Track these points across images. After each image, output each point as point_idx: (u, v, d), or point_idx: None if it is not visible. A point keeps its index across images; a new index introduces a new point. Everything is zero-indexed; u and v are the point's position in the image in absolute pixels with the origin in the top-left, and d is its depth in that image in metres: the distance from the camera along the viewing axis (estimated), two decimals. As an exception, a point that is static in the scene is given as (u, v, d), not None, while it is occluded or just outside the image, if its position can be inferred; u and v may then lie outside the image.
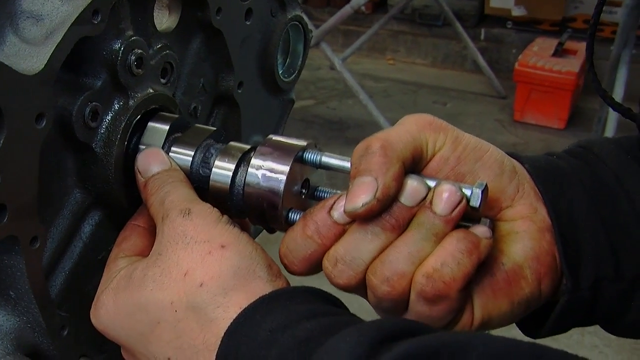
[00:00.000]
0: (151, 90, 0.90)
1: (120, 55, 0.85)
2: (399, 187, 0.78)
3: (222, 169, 0.88)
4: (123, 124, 0.87)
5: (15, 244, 0.77)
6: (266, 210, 0.85)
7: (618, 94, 4.47)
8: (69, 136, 0.84)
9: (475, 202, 0.78)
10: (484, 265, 0.79)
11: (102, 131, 0.86)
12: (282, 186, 0.84)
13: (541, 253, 0.83)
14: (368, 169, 0.78)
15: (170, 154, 0.90)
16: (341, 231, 0.80)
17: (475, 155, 0.84)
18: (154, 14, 0.92)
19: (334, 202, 0.81)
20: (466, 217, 0.79)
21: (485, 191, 0.78)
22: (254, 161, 0.85)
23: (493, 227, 0.81)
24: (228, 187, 0.87)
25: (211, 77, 1.04)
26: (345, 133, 5.17)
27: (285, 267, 0.83)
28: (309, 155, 0.86)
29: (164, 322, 0.77)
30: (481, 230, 0.78)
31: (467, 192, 0.78)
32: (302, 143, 0.87)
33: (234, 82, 1.04)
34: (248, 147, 0.89)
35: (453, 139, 0.84)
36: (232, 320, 0.73)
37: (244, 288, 0.76)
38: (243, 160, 0.88)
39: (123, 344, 0.82)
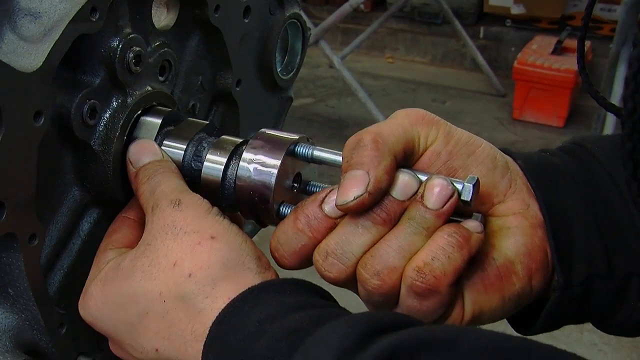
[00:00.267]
0: (149, 88, 0.90)
1: (118, 52, 0.85)
2: (391, 180, 0.78)
3: (214, 163, 0.88)
4: (121, 121, 0.87)
5: (13, 242, 0.78)
6: (257, 203, 0.85)
7: (617, 92, 4.47)
8: (67, 134, 0.84)
9: (467, 196, 0.78)
10: (475, 260, 0.80)
11: (100, 129, 0.86)
12: (273, 180, 0.84)
13: (533, 249, 0.83)
14: (360, 162, 0.78)
15: (162, 147, 0.90)
16: (332, 225, 0.80)
17: (468, 150, 0.83)
18: (152, 11, 0.91)
19: (326, 196, 0.81)
20: (458, 212, 0.79)
21: (476, 185, 0.78)
22: (246, 155, 0.86)
23: (485, 222, 0.81)
24: (220, 180, 0.87)
25: (209, 74, 1.04)
26: (344, 131, 5.17)
27: (276, 260, 0.83)
28: (301, 149, 0.86)
29: (152, 312, 0.77)
30: (472, 224, 0.78)
31: (459, 186, 0.78)
32: (294, 137, 0.87)
33: (233, 79, 1.04)
34: (240, 140, 0.89)
35: (445, 133, 0.83)
36: (220, 311, 0.73)
37: (233, 279, 0.76)
38: (235, 154, 0.88)
39: (111, 335, 0.82)
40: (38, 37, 0.77)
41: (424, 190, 0.77)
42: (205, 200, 0.82)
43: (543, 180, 0.85)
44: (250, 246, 0.79)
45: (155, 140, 0.90)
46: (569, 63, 5.24)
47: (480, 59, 5.94)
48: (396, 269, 0.77)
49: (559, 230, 0.83)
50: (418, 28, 6.58)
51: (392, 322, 0.66)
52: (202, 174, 0.88)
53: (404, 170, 0.80)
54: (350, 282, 0.80)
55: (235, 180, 0.86)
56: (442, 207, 0.77)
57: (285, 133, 0.88)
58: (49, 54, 0.76)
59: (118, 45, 0.85)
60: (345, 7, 4.91)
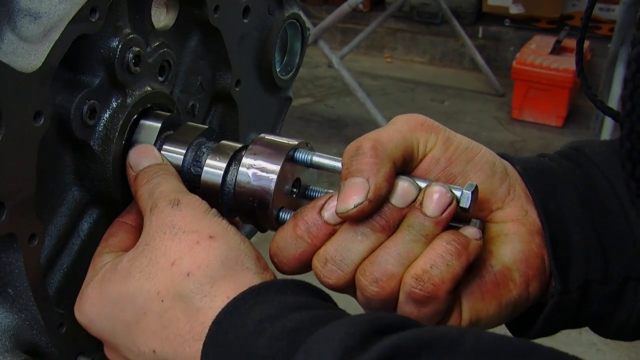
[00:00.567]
0: (149, 88, 0.90)
1: (118, 53, 0.85)
2: (390, 187, 0.78)
3: (214, 168, 0.88)
4: (121, 121, 0.87)
5: (13, 242, 0.78)
6: (257, 209, 0.85)
7: (615, 92, 4.48)
8: (67, 134, 0.84)
9: (466, 203, 0.78)
10: (473, 267, 0.80)
11: (100, 129, 0.86)
12: (273, 185, 0.84)
13: (530, 256, 0.83)
14: (359, 169, 0.78)
15: (161, 151, 0.90)
16: (331, 231, 0.81)
17: (467, 156, 0.84)
18: (152, 11, 0.92)
19: (325, 202, 0.81)
20: (456, 218, 0.79)
21: (475, 192, 0.78)
22: (245, 160, 0.86)
23: (483, 229, 0.82)
24: (219, 185, 0.87)
25: (209, 75, 1.04)
26: (343, 131, 5.17)
27: (275, 265, 0.83)
28: (300, 155, 0.87)
29: (150, 312, 0.77)
30: (471, 231, 0.78)
31: (458, 193, 0.78)
32: (294, 142, 0.87)
33: (232, 80, 1.04)
34: (239, 145, 0.90)
35: (444, 139, 0.84)
36: (220, 310, 0.73)
37: (231, 278, 0.76)
38: (234, 159, 0.88)
39: (107, 338, 0.82)
40: (38, 38, 0.77)
41: (422, 198, 0.78)
42: (203, 201, 0.82)
43: (541, 186, 0.85)
44: (249, 247, 0.79)
45: (155, 144, 0.90)
46: (568, 63, 5.24)
47: (479, 58, 5.94)
48: (395, 276, 0.77)
49: (557, 236, 0.83)
50: (417, 28, 6.58)
51: (394, 323, 0.66)
52: (201, 179, 0.88)
53: (403, 177, 0.80)
54: (349, 288, 0.80)
55: (234, 185, 0.86)
56: (441, 214, 0.77)
57: (284, 138, 0.88)
58: (48, 54, 0.76)
59: (117, 46, 0.85)
60: (344, 7, 4.91)
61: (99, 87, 0.85)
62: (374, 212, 0.78)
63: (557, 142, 5.07)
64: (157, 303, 0.76)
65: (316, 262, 0.80)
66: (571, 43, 5.51)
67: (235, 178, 0.86)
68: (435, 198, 0.77)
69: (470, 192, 0.78)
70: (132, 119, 0.89)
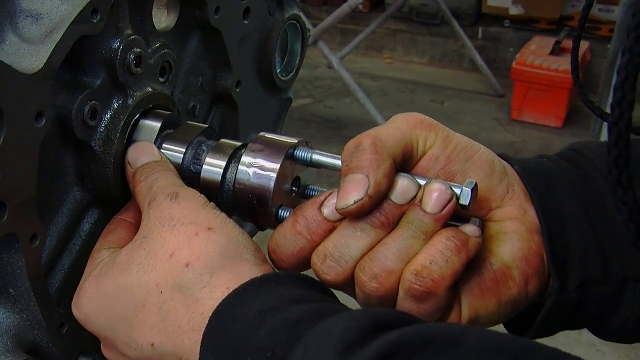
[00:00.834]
0: (150, 89, 0.91)
1: (119, 54, 0.85)
2: (390, 183, 0.79)
3: (213, 166, 0.88)
4: (122, 122, 0.88)
5: (15, 242, 0.78)
6: (256, 206, 0.85)
7: (615, 93, 4.47)
8: (68, 135, 0.84)
9: (465, 200, 0.78)
10: (473, 265, 0.80)
11: (101, 130, 0.87)
12: (272, 183, 0.84)
13: (529, 254, 0.83)
14: (359, 165, 0.78)
15: (161, 150, 0.90)
16: (331, 228, 0.81)
17: (466, 154, 0.84)
18: (153, 12, 0.92)
19: (325, 199, 0.81)
20: (456, 216, 0.79)
21: (474, 190, 0.79)
22: (245, 158, 0.86)
23: (482, 227, 0.82)
24: (218, 183, 0.87)
25: (209, 75, 1.05)
26: (343, 132, 5.17)
27: (274, 262, 0.83)
28: (300, 153, 0.87)
29: (149, 304, 0.76)
30: (470, 229, 0.79)
31: (457, 190, 0.78)
32: (293, 140, 0.87)
33: (232, 80, 1.05)
34: (239, 144, 0.90)
35: (443, 138, 0.84)
36: (220, 300, 0.72)
37: (231, 269, 0.76)
38: (234, 157, 0.88)
39: (104, 334, 0.81)
40: (39, 39, 0.77)
41: (422, 195, 0.78)
42: (201, 194, 0.82)
43: (540, 186, 0.85)
44: (247, 239, 0.79)
45: (155, 143, 0.90)
46: (567, 63, 5.17)
47: (478, 59, 5.95)
48: (394, 272, 0.77)
49: (555, 235, 0.84)
50: (416, 28, 6.58)
51: (396, 319, 0.66)
52: (201, 177, 0.88)
53: (403, 174, 0.80)
54: (348, 285, 0.80)
55: (234, 183, 0.86)
56: (441, 211, 0.77)
57: (284, 137, 0.88)
58: (50, 55, 0.76)
59: (119, 47, 0.85)
60: (344, 8, 4.92)
61: (100, 88, 0.86)
62: (374, 209, 0.78)
63: (557, 143, 5.07)
64: (155, 295, 0.76)
65: (315, 259, 0.80)
66: (571, 44, 5.50)
67: (235, 176, 0.86)
68: (434, 195, 0.77)
69: (470, 190, 0.78)
70: (133, 120, 0.89)
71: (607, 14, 5.78)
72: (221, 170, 0.88)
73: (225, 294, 0.73)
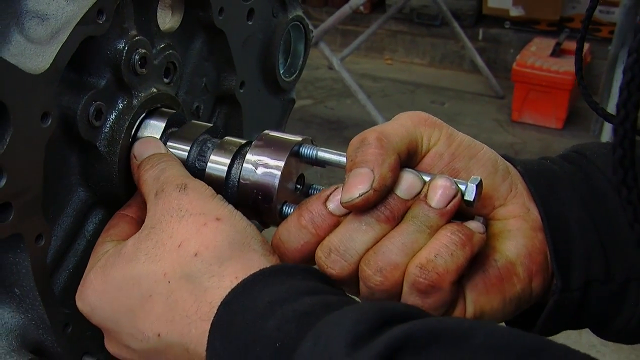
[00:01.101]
0: (154, 90, 0.91)
1: (124, 54, 0.86)
2: (395, 178, 0.79)
3: (218, 163, 0.89)
4: (127, 123, 0.88)
5: (20, 242, 0.78)
6: (260, 203, 0.86)
7: (615, 94, 4.48)
8: (73, 135, 0.85)
9: (470, 196, 0.78)
10: (477, 261, 0.80)
11: (106, 130, 0.87)
12: (277, 180, 0.85)
13: (533, 251, 0.83)
14: (364, 160, 0.78)
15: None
16: (336, 222, 0.81)
17: (470, 152, 0.84)
18: (157, 13, 0.92)
19: (330, 194, 0.82)
20: (460, 215, 0.80)
21: (479, 186, 0.79)
22: (250, 155, 0.86)
23: (486, 225, 0.82)
24: (223, 179, 0.88)
25: (213, 76, 1.05)
26: (344, 133, 5.17)
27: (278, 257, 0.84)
28: (305, 150, 0.87)
29: (156, 294, 0.76)
30: (474, 225, 0.79)
31: (462, 186, 0.79)
32: (298, 138, 0.88)
33: (236, 81, 1.05)
34: (244, 141, 0.90)
35: (447, 135, 0.84)
36: (229, 290, 0.72)
37: (239, 259, 0.76)
38: (239, 154, 0.88)
39: (109, 326, 0.81)
40: (45, 39, 0.78)
41: (427, 190, 0.78)
42: (209, 186, 0.82)
43: (542, 187, 0.86)
44: (255, 230, 0.79)
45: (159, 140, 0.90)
46: (568, 65, 5.24)
47: (479, 60, 5.95)
48: (399, 266, 0.77)
49: (558, 235, 0.84)
50: (417, 30, 6.59)
51: (405, 312, 0.66)
52: (205, 174, 0.89)
53: (408, 169, 0.81)
54: (352, 279, 0.80)
55: (239, 179, 0.87)
56: (446, 206, 0.78)
57: (289, 135, 0.88)
58: (56, 56, 0.76)
59: (124, 48, 0.86)
60: (345, 9, 4.92)
61: (105, 89, 0.86)
62: (379, 203, 0.78)
63: (557, 145, 5.08)
64: (163, 285, 0.76)
65: (320, 253, 0.80)
66: (571, 45, 5.52)
67: (240, 172, 0.87)
68: (440, 190, 0.78)
69: (475, 186, 0.78)
70: (138, 120, 0.89)
71: (608, 16, 5.78)
72: (226, 167, 0.88)
73: (234, 284, 0.73)
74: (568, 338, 3.13)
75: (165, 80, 0.94)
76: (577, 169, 0.89)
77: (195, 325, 0.74)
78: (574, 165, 0.90)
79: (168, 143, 0.91)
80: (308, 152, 0.87)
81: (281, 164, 0.85)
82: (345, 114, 5.49)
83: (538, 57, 5.37)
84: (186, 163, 0.90)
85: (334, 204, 0.81)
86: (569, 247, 0.84)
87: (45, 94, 0.76)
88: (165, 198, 0.80)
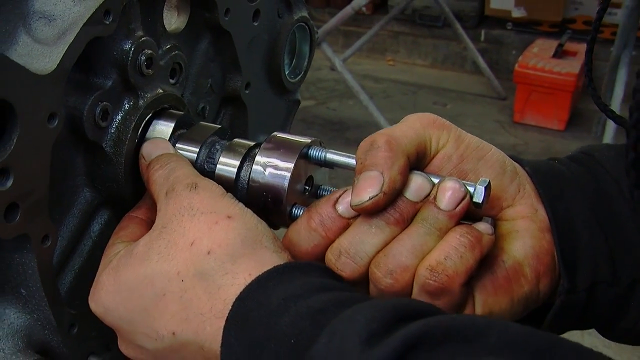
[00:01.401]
0: (160, 91, 0.91)
1: (130, 55, 0.85)
2: (405, 180, 0.79)
3: (227, 165, 0.89)
4: (133, 123, 0.88)
5: (26, 242, 0.78)
6: (270, 205, 0.86)
7: (618, 95, 4.48)
8: (80, 135, 0.85)
9: (479, 198, 0.79)
10: (486, 262, 0.81)
11: (112, 131, 0.87)
12: (286, 182, 0.85)
13: (541, 252, 0.84)
14: (374, 163, 0.79)
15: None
16: (345, 225, 0.81)
17: (478, 154, 0.85)
18: (163, 14, 0.92)
19: (340, 196, 0.82)
20: (468, 215, 0.80)
21: (488, 188, 0.79)
22: (259, 157, 0.86)
23: (495, 225, 0.82)
24: (232, 182, 0.88)
25: (219, 77, 1.05)
26: (346, 134, 5.17)
27: None
28: (314, 152, 0.87)
29: (169, 293, 0.76)
30: (483, 226, 0.79)
31: (471, 188, 0.79)
32: (307, 140, 0.88)
33: (242, 82, 1.05)
34: (253, 143, 0.90)
35: (456, 137, 0.85)
36: (244, 287, 0.72)
37: (252, 256, 0.76)
38: (248, 156, 0.89)
39: (123, 327, 0.81)
40: (52, 40, 0.78)
41: (436, 192, 0.79)
42: (219, 185, 0.82)
43: (550, 187, 0.86)
44: (266, 227, 0.79)
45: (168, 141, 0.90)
46: (570, 66, 5.24)
47: (481, 61, 5.95)
48: (409, 268, 0.78)
49: (565, 236, 0.84)
50: (419, 31, 6.59)
51: (419, 309, 0.66)
52: (215, 176, 0.89)
53: (417, 172, 0.81)
54: (363, 281, 0.80)
55: (248, 182, 0.87)
56: (455, 208, 0.78)
57: (297, 136, 0.89)
58: (63, 56, 0.76)
59: (130, 48, 0.86)
60: (347, 10, 4.92)
61: (112, 89, 0.86)
62: (388, 206, 0.79)
63: (559, 146, 5.08)
64: (176, 283, 0.76)
65: (330, 255, 0.80)
66: (573, 47, 5.52)
67: (249, 175, 0.87)
68: (449, 192, 0.78)
69: (483, 188, 0.79)
70: (144, 121, 0.89)
71: (610, 17, 5.77)
72: (235, 169, 0.88)
73: (248, 281, 0.73)
74: (570, 339, 3.12)
75: (171, 81, 0.94)
76: (585, 170, 0.89)
77: (209, 322, 0.74)
78: (581, 166, 0.90)
79: (177, 145, 0.91)
80: (317, 154, 0.87)
81: (291, 166, 0.85)
82: (347, 115, 5.49)
83: (540, 58, 5.38)
84: (195, 165, 0.90)
85: (343, 207, 0.81)
86: (575, 248, 0.84)
87: (52, 95, 0.76)
88: (176, 197, 0.80)
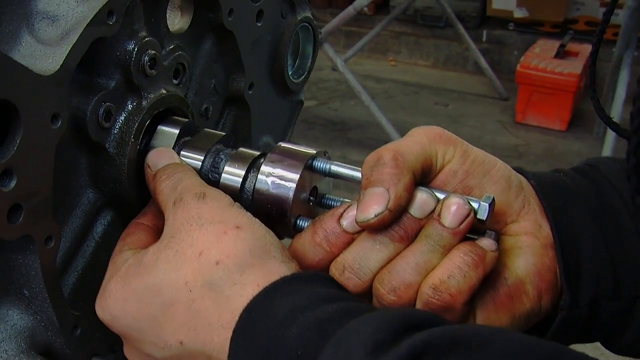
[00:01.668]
0: (164, 91, 0.91)
1: (134, 56, 0.85)
2: (410, 197, 0.80)
3: (232, 175, 0.89)
4: (136, 124, 0.88)
5: (30, 244, 0.78)
6: (274, 216, 0.86)
7: (620, 96, 4.47)
8: (83, 136, 0.84)
9: (483, 215, 0.79)
10: (488, 279, 0.81)
11: (115, 131, 0.87)
12: (291, 194, 0.85)
13: (543, 269, 0.84)
14: (380, 179, 0.79)
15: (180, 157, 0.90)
16: (350, 240, 0.81)
17: (483, 169, 0.85)
18: (167, 15, 0.92)
19: (344, 211, 0.82)
20: (472, 229, 0.80)
21: (492, 204, 0.80)
22: (264, 168, 0.86)
23: (498, 240, 0.83)
24: (237, 192, 0.88)
25: (222, 78, 1.05)
26: (347, 134, 5.17)
27: None
28: (319, 164, 0.88)
29: (177, 303, 0.76)
30: (487, 243, 0.79)
31: (475, 205, 0.79)
32: (312, 151, 0.88)
33: (245, 83, 1.05)
34: (258, 153, 0.90)
35: (462, 152, 0.85)
36: (252, 298, 0.73)
37: (260, 267, 0.76)
38: (253, 167, 0.88)
39: (130, 335, 0.81)
40: (55, 40, 0.77)
41: (441, 209, 0.79)
42: (227, 195, 0.82)
43: (554, 201, 0.86)
44: (274, 237, 0.80)
45: (173, 150, 0.90)
46: (572, 67, 5.24)
47: (482, 62, 5.95)
48: (412, 286, 0.78)
49: (568, 251, 0.84)
50: (421, 31, 6.59)
51: (426, 320, 0.66)
52: (219, 185, 0.88)
53: (422, 188, 0.81)
54: (366, 296, 0.81)
55: (253, 192, 0.87)
56: (459, 225, 0.78)
57: (302, 147, 0.89)
58: (66, 57, 0.76)
59: (134, 49, 0.85)
60: (349, 10, 4.92)
61: (115, 90, 0.86)
62: (393, 222, 0.79)
63: (561, 146, 5.07)
64: (185, 293, 0.76)
65: (334, 270, 0.81)
66: (575, 47, 5.52)
67: (254, 185, 0.87)
68: (453, 209, 0.78)
69: (487, 204, 0.79)
70: (147, 122, 0.89)
71: (612, 18, 5.76)
72: (240, 179, 0.88)
73: (256, 292, 0.73)
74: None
75: (175, 81, 0.93)
76: (590, 183, 0.89)
77: (217, 333, 0.74)
78: (586, 178, 0.90)
79: (181, 152, 0.91)
80: (322, 165, 0.87)
81: (296, 177, 0.85)
82: (349, 115, 5.49)
83: (542, 58, 5.37)
84: (199, 174, 0.89)
85: (347, 222, 0.82)
86: (578, 263, 0.85)
87: (55, 96, 0.75)
88: (184, 207, 0.80)
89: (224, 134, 0.94)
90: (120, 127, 0.87)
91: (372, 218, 0.78)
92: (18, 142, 0.72)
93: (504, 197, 0.84)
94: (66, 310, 0.84)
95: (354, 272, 0.80)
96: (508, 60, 6.20)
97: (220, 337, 0.73)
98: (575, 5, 6.09)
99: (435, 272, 0.77)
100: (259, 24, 1.04)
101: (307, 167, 0.86)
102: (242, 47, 1.02)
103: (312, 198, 0.90)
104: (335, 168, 0.87)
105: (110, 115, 0.85)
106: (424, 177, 0.83)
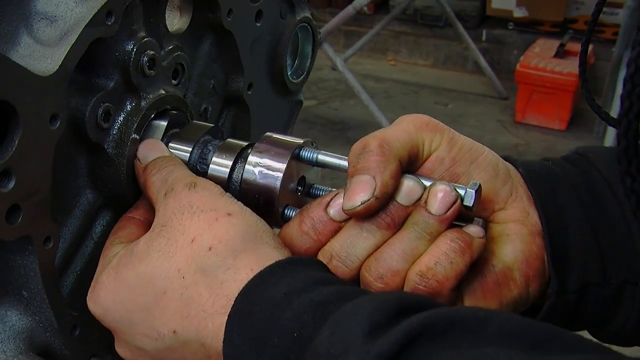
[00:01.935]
0: (163, 91, 0.91)
1: (132, 56, 0.85)
2: (396, 185, 0.80)
3: (219, 165, 0.89)
4: (135, 124, 0.88)
5: (28, 244, 0.78)
6: (262, 206, 0.86)
7: (619, 96, 4.47)
8: (82, 137, 0.84)
9: (469, 201, 0.79)
10: (475, 266, 0.81)
11: (114, 132, 0.87)
12: (278, 183, 0.85)
13: (531, 256, 0.84)
14: (366, 167, 0.79)
15: (168, 149, 0.90)
16: (337, 228, 0.82)
17: (471, 156, 0.85)
18: (166, 15, 0.92)
19: (331, 199, 0.82)
20: (460, 217, 0.80)
21: (478, 191, 0.80)
22: (251, 158, 0.87)
23: (485, 227, 0.83)
24: (225, 182, 0.88)
25: (221, 78, 1.05)
26: (347, 133, 5.17)
27: None
28: (306, 153, 0.88)
29: (170, 290, 0.76)
30: (474, 229, 0.80)
31: (462, 192, 0.79)
32: (299, 141, 0.88)
33: (244, 83, 1.05)
34: (245, 143, 0.90)
35: (449, 139, 0.85)
36: (246, 282, 0.73)
37: (253, 252, 0.76)
38: (240, 157, 0.89)
39: (122, 328, 0.80)
40: (54, 41, 0.77)
41: (427, 196, 0.79)
42: (218, 185, 0.82)
43: (542, 189, 0.86)
44: (265, 224, 0.80)
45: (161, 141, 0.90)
46: (572, 66, 5.23)
47: (482, 61, 5.94)
48: (399, 273, 0.78)
49: (556, 238, 0.85)
50: (420, 31, 6.58)
51: (421, 302, 0.67)
52: (207, 176, 0.89)
53: (409, 175, 0.81)
54: (354, 284, 0.81)
55: (240, 183, 0.87)
56: (445, 212, 0.78)
57: (290, 137, 0.89)
58: (65, 57, 0.76)
59: (132, 49, 0.85)
60: (349, 10, 4.92)
61: (114, 90, 0.86)
62: (380, 210, 0.79)
63: (561, 146, 5.07)
64: (177, 280, 0.76)
65: (321, 258, 0.81)
66: (575, 47, 5.51)
67: (242, 176, 0.87)
68: (439, 196, 0.78)
69: (474, 191, 0.79)
70: (146, 122, 0.89)
71: (612, 17, 5.77)
72: (228, 170, 0.88)
73: (250, 276, 0.73)
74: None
75: (174, 81, 0.93)
76: (578, 172, 0.90)
77: (212, 319, 0.74)
78: (575, 167, 0.91)
79: (170, 144, 0.91)
80: (309, 155, 0.88)
81: (283, 167, 0.85)
82: (349, 115, 5.49)
83: (542, 58, 5.37)
84: (187, 165, 0.90)
85: (334, 210, 0.82)
86: (566, 250, 0.85)
87: (54, 96, 0.75)
88: (176, 196, 0.80)
89: (212, 125, 0.94)
90: (119, 128, 0.87)
91: (359, 205, 0.78)
92: (17, 142, 0.72)
93: (491, 184, 0.84)
94: (65, 310, 0.84)
95: (341, 260, 0.80)
96: (508, 60, 6.20)
97: (215, 323, 0.73)
98: (575, 5, 6.09)
99: (422, 259, 0.78)
100: (258, 24, 1.04)
101: (294, 157, 0.87)
102: (241, 47, 1.02)
103: (300, 188, 0.90)
104: (322, 157, 0.87)
105: (109, 116, 0.85)
106: (411, 164, 0.83)
